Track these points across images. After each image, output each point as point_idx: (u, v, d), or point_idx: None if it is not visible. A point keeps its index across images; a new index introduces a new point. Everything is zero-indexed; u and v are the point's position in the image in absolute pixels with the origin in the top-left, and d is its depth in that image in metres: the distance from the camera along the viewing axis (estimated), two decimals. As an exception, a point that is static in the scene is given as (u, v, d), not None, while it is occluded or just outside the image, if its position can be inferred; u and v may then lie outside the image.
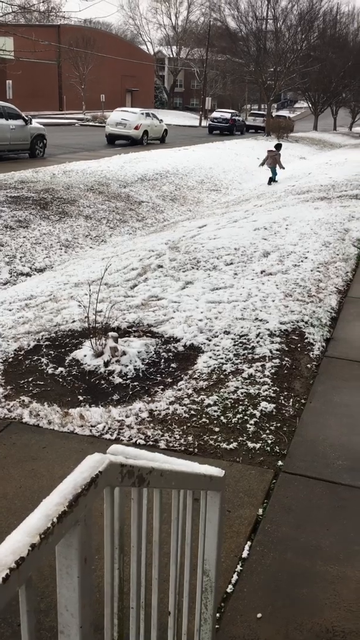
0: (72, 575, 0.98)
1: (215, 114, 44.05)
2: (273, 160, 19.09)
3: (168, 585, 1.62)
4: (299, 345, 5.32)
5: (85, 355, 5.03)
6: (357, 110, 62.20)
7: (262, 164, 19.76)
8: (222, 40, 50.61)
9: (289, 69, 41.70)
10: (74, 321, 5.84)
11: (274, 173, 19.65)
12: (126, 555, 1.50)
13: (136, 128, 28.25)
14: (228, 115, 42.80)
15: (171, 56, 76.13)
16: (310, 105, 57.95)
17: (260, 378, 4.68)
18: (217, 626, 2.42)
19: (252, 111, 58.91)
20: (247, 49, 44.18)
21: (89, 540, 0.99)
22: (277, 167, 19.33)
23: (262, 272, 7.42)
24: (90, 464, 1.02)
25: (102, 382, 4.68)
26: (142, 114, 29.72)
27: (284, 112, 67.82)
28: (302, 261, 7.88)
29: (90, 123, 42.33)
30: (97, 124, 40.73)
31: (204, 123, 50.72)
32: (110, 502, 1.17)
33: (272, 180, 19.79)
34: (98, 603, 1.33)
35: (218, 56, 56.55)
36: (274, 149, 19.35)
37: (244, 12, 44.65)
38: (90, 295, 5.82)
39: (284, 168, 20.02)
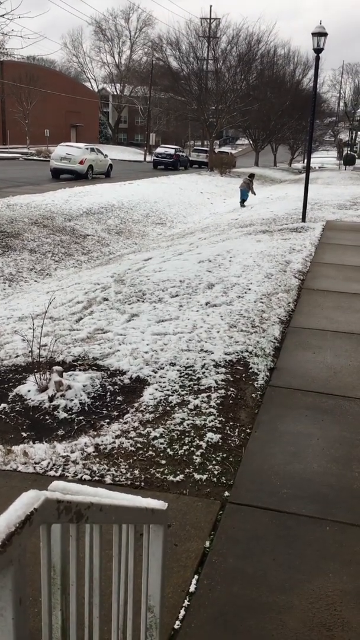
0: (6, 618, 0.95)
1: (159, 150, 44.81)
2: (247, 185, 22.48)
3: (111, 624, 1.59)
4: (243, 375, 5.39)
5: (29, 391, 4.94)
6: (295, 147, 64.65)
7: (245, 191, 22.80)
8: (164, 78, 51.88)
9: (229, 108, 42.99)
10: (17, 356, 5.74)
11: (245, 196, 22.71)
12: (69, 595, 1.47)
13: (81, 162, 28.40)
14: (172, 151, 43.61)
15: (115, 93, 77.31)
16: (251, 142, 59.88)
17: (206, 409, 4.70)
18: (164, 664, 2.38)
19: (195, 147, 60.28)
20: (189, 87, 45.39)
21: (23, 580, 0.97)
22: (250, 193, 22.55)
23: (206, 304, 7.51)
24: (25, 501, 1.01)
25: (47, 417, 4.60)
26: (87, 148, 29.94)
27: (226, 149, 69.74)
28: (245, 293, 8.03)
29: (35, 157, 42.29)
30: (41, 159, 40.72)
31: (149, 158, 51.51)
32: (46, 539, 1.15)
33: (242, 202, 22.87)
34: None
35: (161, 94, 57.86)
36: (248, 178, 22.97)
37: (185, 52, 45.95)
38: (34, 329, 5.75)
39: (255, 194, 23.31)
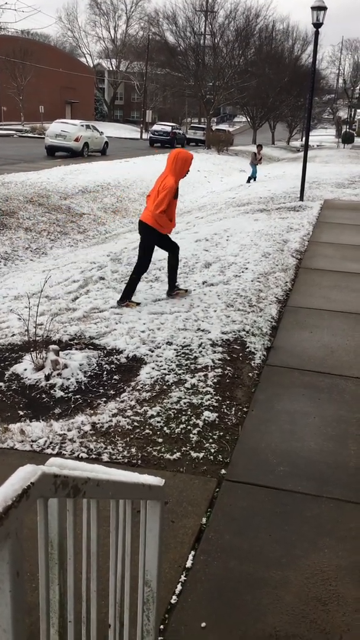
0: (3, 590, 0.96)
1: (156, 127, 44.39)
2: (254, 158, 22.42)
3: (109, 598, 1.60)
4: (240, 354, 5.39)
5: (25, 369, 4.93)
6: (294, 125, 64.08)
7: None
8: (161, 54, 51.21)
9: (227, 84, 42.54)
10: (13, 335, 5.73)
11: (254, 174, 22.44)
12: (66, 570, 1.47)
13: (76, 140, 28.12)
14: (169, 129, 43.21)
15: (111, 69, 76.31)
16: (248, 119, 59.28)
17: (203, 388, 4.71)
18: (161, 638, 2.41)
19: (192, 124, 59.66)
20: (186, 63, 44.87)
21: (20, 553, 0.97)
22: (257, 166, 22.26)
23: (203, 283, 7.49)
24: (22, 476, 1.00)
25: (44, 396, 4.61)
26: (82, 125, 29.64)
27: (223, 126, 69.12)
28: (242, 272, 8.01)
29: (29, 134, 41.86)
30: (36, 136, 40.30)
31: (145, 136, 51.01)
32: (43, 513, 1.15)
33: (249, 179, 22.60)
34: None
35: (158, 70, 57.13)
36: (257, 149, 22.73)
37: (182, 27, 45.34)
38: (30, 308, 5.73)
39: (256, 164, 22.98)
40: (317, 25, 13.69)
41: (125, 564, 1.62)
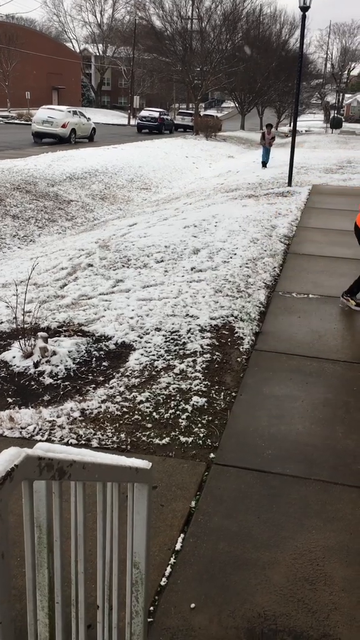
0: (-11, 572, 0.96)
1: (143, 113, 44.04)
2: (263, 139, 20.80)
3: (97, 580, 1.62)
4: (229, 339, 5.41)
5: (14, 357, 4.92)
6: (282, 110, 63.76)
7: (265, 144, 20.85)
8: (148, 39, 50.63)
9: (215, 69, 42.24)
10: (1, 322, 5.71)
11: (266, 158, 20.95)
12: (53, 552, 1.48)
13: (63, 126, 27.86)
14: (156, 114, 42.88)
15: (98, 54, 75.44)
16: (236, 105, 58.94)
17: (192, 373, 4.73)
18: (151, 619, 2.44)
19: (180, 110, 59.24)
20: (174, 48, 44.44)
21: (5, 534, 0.98)
22: (269, 148, 20.72)
23: (192, 269, 7.48)
24: (6, 458, 1.01)
25: (32, 383, 4.60)
26: (70, 111, 29.35)
27: (211, 112, 68.64)
28: (231, 257, 8.01)
29: (16, 121, 41.39)
30: (22, 122, 39.87)
31: (133, 122, 50.61)
32: (28, 495, 1.16)
33: (264, 163, 21.10)
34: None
35: (145, 55, 56.51)
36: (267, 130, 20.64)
37: (169, 11, 44.86)
38: (18, 296, 5.70)
39: (267, 146, 21.07)
40: (304, 8, 13.60)
41: (114, 546, 1.63)
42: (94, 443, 3.79)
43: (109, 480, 1.54)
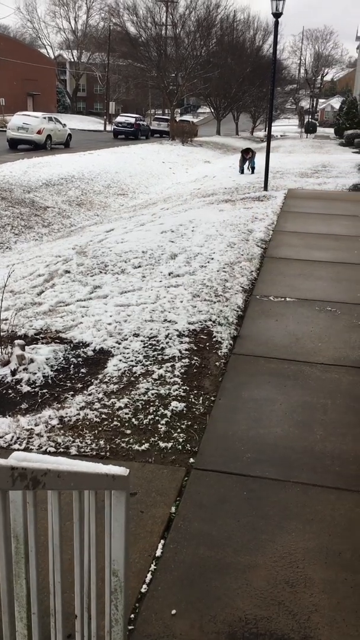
0: None
1: (119, 119, 44.04)
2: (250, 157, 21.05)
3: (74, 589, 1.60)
4: (207, 344, 5.42)
5: (-10, 365, 4.87)
6: (257, 115, 64.30)
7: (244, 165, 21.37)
8: (123, 45, 50.69)
9: (190, 74, 42.43)
10: (-23, 331, 5.64)
11: (253, 164, 21.19)
12: (29, 562, 1.47)
13: (39, 132, 27.74)
14: (132, 120, 42.91)
15: (72, 60, 75.27)
16: (212, 110, 59.25)
17: (171, 378, 4.73)
18: (131, 627, 2.43)
19: (156, 116, 59.36)
20: (148, 54, 44.55)
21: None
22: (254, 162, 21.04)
23: (170, 274, 7.49)
24: (-22, 469, 1.00)
25: (10, 391, 4.56)
26: (45, 118, 29.24)
27: (187, 117, 68.98)
28: (208, 262, 8.03)
29: (-9, 128, 41.03)
30: (-3, 129, 39.55)
31: (109, 127, 50.58)
32: (2, 505, 1.15)
33: (253, 169, 21.26)
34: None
35: (120, 61, 56.55)
36: (248, 151, 21.30)
37: (143, 17, 45.00)
38: (-6, 304, 5.64)
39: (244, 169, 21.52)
40: (277, 15, 13.74)
41: (92, 554, 1.62)
42: (73, 451, 3.76)
43: (85, 489, 1.53)
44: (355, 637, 2.44)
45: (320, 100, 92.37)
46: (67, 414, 4.19)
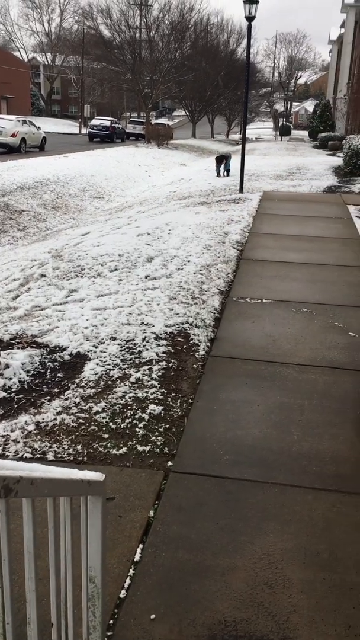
0: None
1: (94, 122, 43.88)
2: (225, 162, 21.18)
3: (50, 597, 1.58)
4: (184, 346, 5.42)
5: (-35, 371, 4.80)
6: (232, 118, 64.61)
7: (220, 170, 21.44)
8: (97, 48, 50.55)
9: (164, 78, 42.49)
10: None
11: (228, 167, 21.27)
12: (15, 572, 1.44)
13: (13, 135, 27.50)
14: (108, 123, 42.80)
15: (46, 63, 74.86)
16: (187, 113, 59.40)
17: (148, 381, 4.71)
18: (110, 633, 2.41)
19: (131, 119, 59.28)
20: (123, 57, 44.50)
21: None
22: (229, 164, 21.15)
23: (146, 277, 7.48)
24: None
25: (-15, 397, 4.49)
26: (19, 121, 29.00)
27: (163, 120, 69.02)
28: (185, 265, 8.03)
29: (-36, 131, 40.55)
30: (-29, 132, 39.08)
31: (84, 130, 50.38)
32: (-28, 515, 1.13)
33: (228, 172, 21.33)
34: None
35: (94, 64, 56.42)
36: (222, 159, 21.40)
37: (117, 20, 44.94)
38: (-32, 309, 5.58)
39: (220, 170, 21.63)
40: (250, 18, 13.82)
41: (67, 561, 1.60)
42: (50, 456, 3.73)
43: (60, 495, 1.51)
44: (334, 637, 2.45)
45: (295, 103, 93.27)
46: (43, 419, 4.15)
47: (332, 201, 14.52)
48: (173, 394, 4.55)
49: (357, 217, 12.30)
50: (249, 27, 14.25)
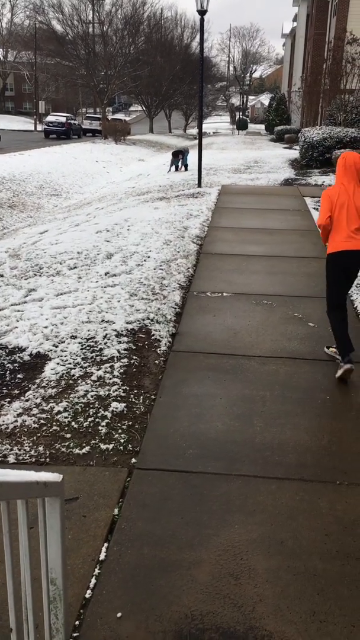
0: None
1: (50, 118, 43.30)
2: (182, 157, 20.92)
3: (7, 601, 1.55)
4: (146, 342, 5.40)
5: None
6: (189, 113, 64.60)
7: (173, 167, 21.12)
8: (50, 43, 49.83)
9: (119, 73, 42.20)
10: None
11: (186, 161, 21.05)
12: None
13: (-34, 134, 26.94)
14: (63, 119, 42.30)
15: (-2, 59, 73.34)
16: (144, 108, 59.13)
17: (110, 379, 4.68)
18: (76, 634, 2.38)
19: (87, 115, 58.73)
20: (76, 52, 44.01)
21: None
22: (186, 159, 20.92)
23: (106, 274, 7.42)
24: None
25: None
26: (-28, 119, 28.42)
27: (119, 115, 68.55)
28: (145, 260, 8.01)
29: None
30: None
31: (40, 127, 49.67)
32: None
33: (186, 166, 21.08)
34: None
35: (48, 59, 55.58)
36: (179, 153, 21.03)
37: (69, 15, 44.42)
38: None
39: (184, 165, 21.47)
40: (202, 12, 13.81)
41: (25, 564, 1.58)
42: (11, 459, 3.67)
43: (14, 498, 1.48)
44: (299, 624, 2.49)
45: (250, 97, 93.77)
46: (3, 421, 4.08)
47: (289, 194, 14.66)
48: (135, 391, 4.53)
49: (314, 208, 12.46)
50: (202, 21, 14.25)
